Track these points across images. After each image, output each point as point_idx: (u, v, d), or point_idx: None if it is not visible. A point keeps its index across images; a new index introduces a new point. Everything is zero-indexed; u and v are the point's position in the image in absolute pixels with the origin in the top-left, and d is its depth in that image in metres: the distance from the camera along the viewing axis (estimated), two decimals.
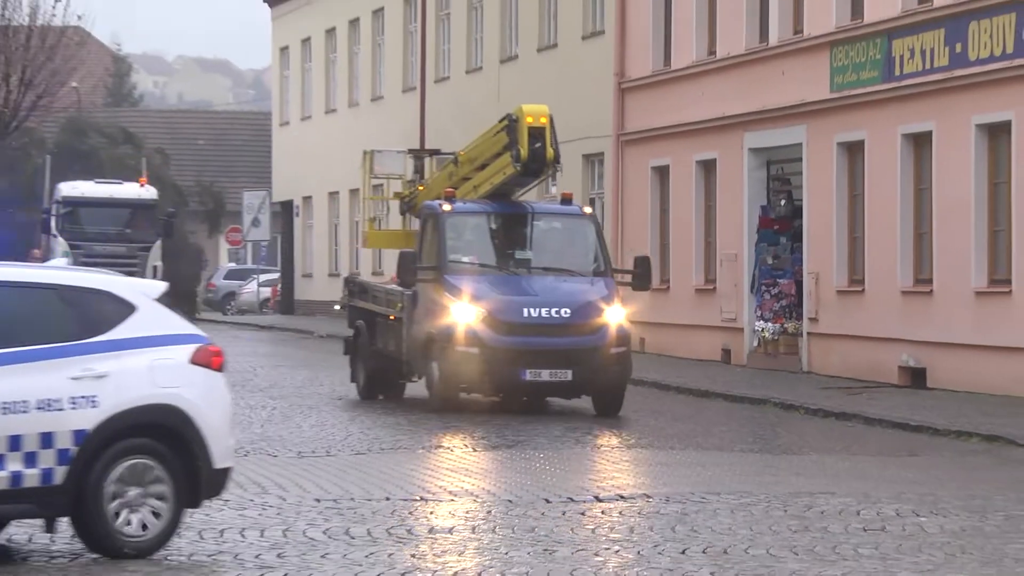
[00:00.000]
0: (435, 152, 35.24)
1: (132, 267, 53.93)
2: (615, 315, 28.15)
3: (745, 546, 16.06)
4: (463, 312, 27.56)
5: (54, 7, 17.16)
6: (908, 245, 35.26)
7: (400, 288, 29.72)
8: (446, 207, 29.11)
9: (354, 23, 64.73)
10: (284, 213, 71.28)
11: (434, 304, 28.33)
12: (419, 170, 34.65)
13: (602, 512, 18.37)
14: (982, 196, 33.23)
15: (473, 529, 16.94)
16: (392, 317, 30.34)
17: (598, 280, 28.84)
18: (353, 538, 16.28)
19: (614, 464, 23.58)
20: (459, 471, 21.99)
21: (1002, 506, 19.03)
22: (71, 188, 56.85)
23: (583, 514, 18.18)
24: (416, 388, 30.47)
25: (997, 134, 32.98)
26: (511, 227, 29.70)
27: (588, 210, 30.81)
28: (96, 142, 64.08)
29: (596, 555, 15.63)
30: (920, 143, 35.06)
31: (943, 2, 34.01)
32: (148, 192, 57.59)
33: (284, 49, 72.21)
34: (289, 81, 71.73)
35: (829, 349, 37.34)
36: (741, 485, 20.66)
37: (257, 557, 15.16)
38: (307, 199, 68.63)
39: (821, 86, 37.14)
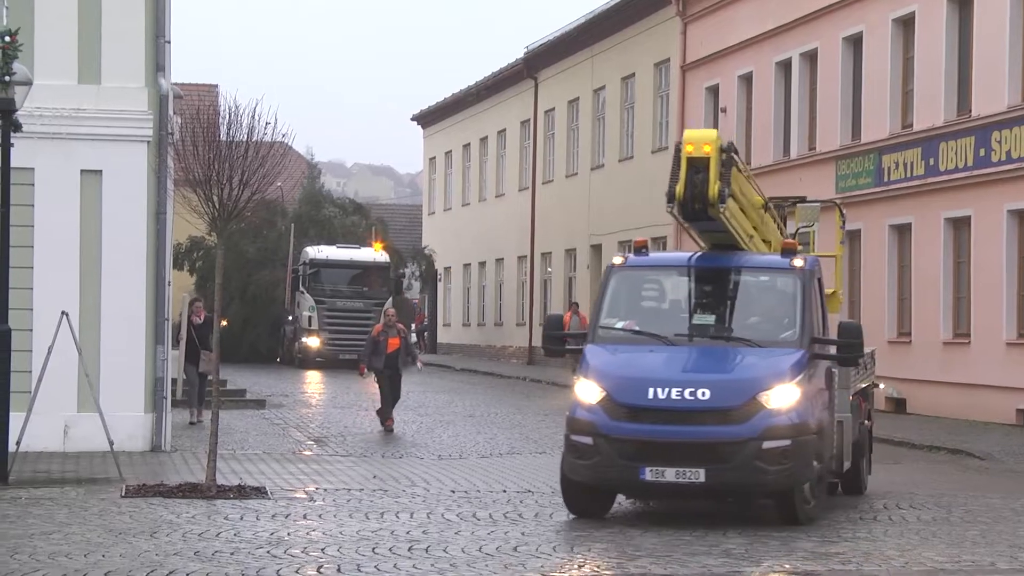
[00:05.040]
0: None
1: (368, 320, 48.63)
2: (783, 398, 16.06)
3: (770, 528, 15.91)
4: (586, 392, 16.50)
5: (265, 128, 17.43)
6: (893, 307, 35.11)
7: None
8: (617, 260, 18.03)
9: (484, 140, 64.97)
10: (431, 278, 71.46)
11: (573, 381, 17.28)
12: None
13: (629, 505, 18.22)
14: (948, 271, 33.08)
15: (567, 514, 16.83)
16: None
17: (784, 352, 16.67)
18: (479, 520, 16.21)
19: None
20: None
21: (963, 502, 18.77)
22: (316, 251, 51.48)
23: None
24: None
25: (960, 226, 32.81)
26: (701, 285, 17.94)
27: (798, 263, 17.51)
28: (329, 212, 58.79)
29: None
30: (903, 232, 34.88)
31: (920, 127, 33.86)
32: (382, 256, 52.01)
33: (432, 159, 72.53)
34: (435, 182, 72.01)
35: None
36: None
37: (407, 533, 15.12)
38: (447, 268, 68.79)
39: (828, 189, 36.92)
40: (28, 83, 19.46)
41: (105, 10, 22.87)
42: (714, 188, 16.93)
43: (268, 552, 13.69)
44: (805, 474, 16.19)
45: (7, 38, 19.00)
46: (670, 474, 15.89)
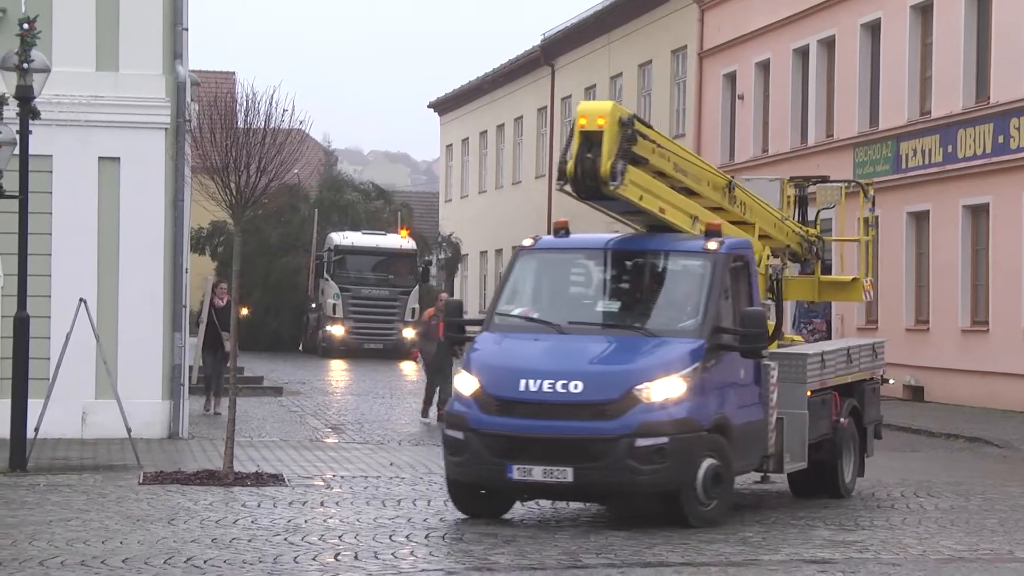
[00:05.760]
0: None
1: (394, 309, 49.25)
2: (664, 392, 14.67)
3: (788, 517, 15.88)
4: (463, 384, 15.34)
5: (282, 115, 17.39)
6: (911, 294, 35.02)
7: None
8: (527, 242, 16.58)
9: (500, 127, 64.93)
10: (452, 265, 71.35)
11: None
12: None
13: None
14: (966, 259, 33.00)
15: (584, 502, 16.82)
16: None
17: (678, 342, 15.16)
18: None
19: None
20: None
21: (981, 490, 18.75)
22: (341, 238, 50.31)
23: None
24: None
25: (978, 213, 32.72)
26: (611, 270, 16.42)
27: (711, 245, 15.83)
28: (352, 197, 56.82)
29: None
30: (921, 220, 34.80)
31: (939, 114, 33.77)
32: (408, 243, 50.98)
33: (449, 146, 72.52)
34: (452, 169, 72.02)
35: None
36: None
37: (425, 520, 15.12)
38: (464, 256, 68.79)
39: (846, 176, 36.81)
40: (46, 70, 19.48)
41: None
42: (606, 165, 15.29)
43: (285, 539, 13.70)
44: (686, 474, 14.68)
45: (26, 25, 19.02)
46: (537, 472, 14.64)
